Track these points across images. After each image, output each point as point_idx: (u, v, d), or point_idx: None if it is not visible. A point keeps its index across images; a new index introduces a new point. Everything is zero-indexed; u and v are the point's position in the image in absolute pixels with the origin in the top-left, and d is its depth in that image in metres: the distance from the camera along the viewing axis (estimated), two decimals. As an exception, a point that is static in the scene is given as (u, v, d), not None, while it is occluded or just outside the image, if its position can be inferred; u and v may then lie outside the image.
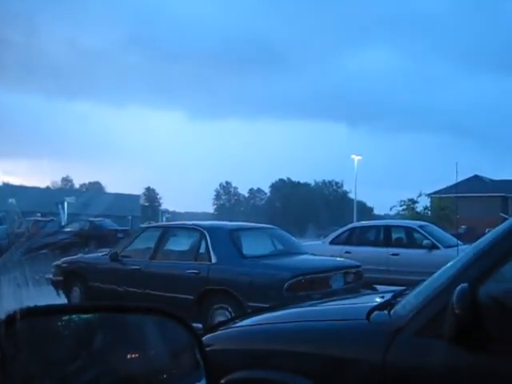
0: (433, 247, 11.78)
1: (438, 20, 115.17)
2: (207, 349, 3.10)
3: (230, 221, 11.11)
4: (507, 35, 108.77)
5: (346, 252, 11.66)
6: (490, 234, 2.57)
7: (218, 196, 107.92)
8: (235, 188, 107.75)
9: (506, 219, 2.66)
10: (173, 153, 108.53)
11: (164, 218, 51.79)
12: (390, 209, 32.38)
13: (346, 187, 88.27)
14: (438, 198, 38.04)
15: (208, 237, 8.15)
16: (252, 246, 8.41)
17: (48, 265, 10.21)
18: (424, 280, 2.80)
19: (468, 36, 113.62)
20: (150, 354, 1.52)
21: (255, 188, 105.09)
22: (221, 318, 7.08)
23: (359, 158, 51.85)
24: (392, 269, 11.67)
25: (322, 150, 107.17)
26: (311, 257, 8.87)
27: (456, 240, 13.21)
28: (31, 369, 1.27)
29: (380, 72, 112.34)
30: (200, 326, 7.31)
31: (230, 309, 7.50)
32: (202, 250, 8.21)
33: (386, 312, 2.67)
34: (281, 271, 7.58)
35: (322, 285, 7.59)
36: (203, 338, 3.17)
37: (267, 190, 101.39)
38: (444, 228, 16.13)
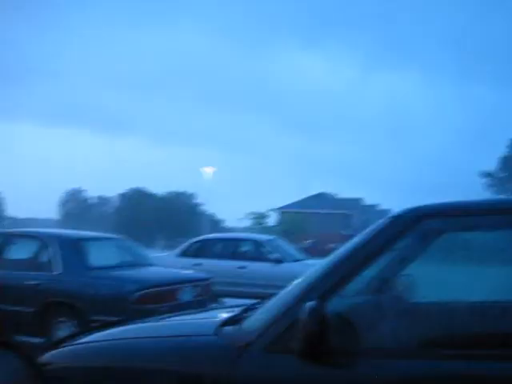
0: (278, 261, 12.11)
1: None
2: (48, 367, 2.90)
3: (76, 229, 10.68)
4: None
5: (196, 264, 11.63)
6: (338, 252, 2.64)
7: (64, 202, 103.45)
8: (84, 195, 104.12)
9: (347, 236, 2.76)
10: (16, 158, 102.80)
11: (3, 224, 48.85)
12: (238, 221, 32.96)
13: (198, 199, 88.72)
14: (286, 212, 39.40)
15: (50, 246, 7.73)
16: (98, 257, 8.06)
17: None
18: (274, 294, 2.81)
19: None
20: None
21: (105, 196, 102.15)
22: (64, 333, 6.73)
23: (211, 170, 52.17)
24: (239, 281, 11.83)
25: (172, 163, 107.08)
26: (159, 269, 8.73)
27: (302, 254, 13.75)
28: None
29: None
30: (42, 340, 6.94)
31: (74, 323, 7.15)
32: (44, 259, 7.77)
33: (234, 327, 2.64)
34: (127, 283, 7.37)
35: (170, 298, 7.49)
36: (45, 355, 2.95)
37: (117, 198, 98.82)
38: (291, 242, 16.68)
